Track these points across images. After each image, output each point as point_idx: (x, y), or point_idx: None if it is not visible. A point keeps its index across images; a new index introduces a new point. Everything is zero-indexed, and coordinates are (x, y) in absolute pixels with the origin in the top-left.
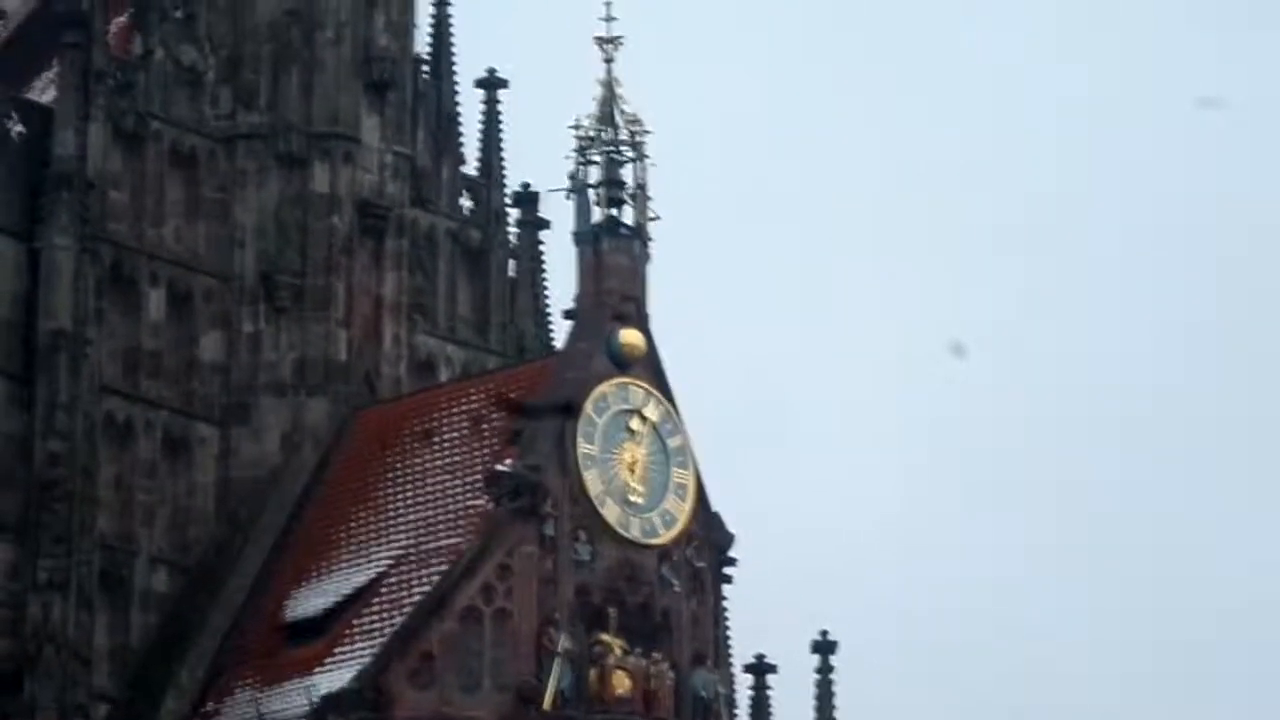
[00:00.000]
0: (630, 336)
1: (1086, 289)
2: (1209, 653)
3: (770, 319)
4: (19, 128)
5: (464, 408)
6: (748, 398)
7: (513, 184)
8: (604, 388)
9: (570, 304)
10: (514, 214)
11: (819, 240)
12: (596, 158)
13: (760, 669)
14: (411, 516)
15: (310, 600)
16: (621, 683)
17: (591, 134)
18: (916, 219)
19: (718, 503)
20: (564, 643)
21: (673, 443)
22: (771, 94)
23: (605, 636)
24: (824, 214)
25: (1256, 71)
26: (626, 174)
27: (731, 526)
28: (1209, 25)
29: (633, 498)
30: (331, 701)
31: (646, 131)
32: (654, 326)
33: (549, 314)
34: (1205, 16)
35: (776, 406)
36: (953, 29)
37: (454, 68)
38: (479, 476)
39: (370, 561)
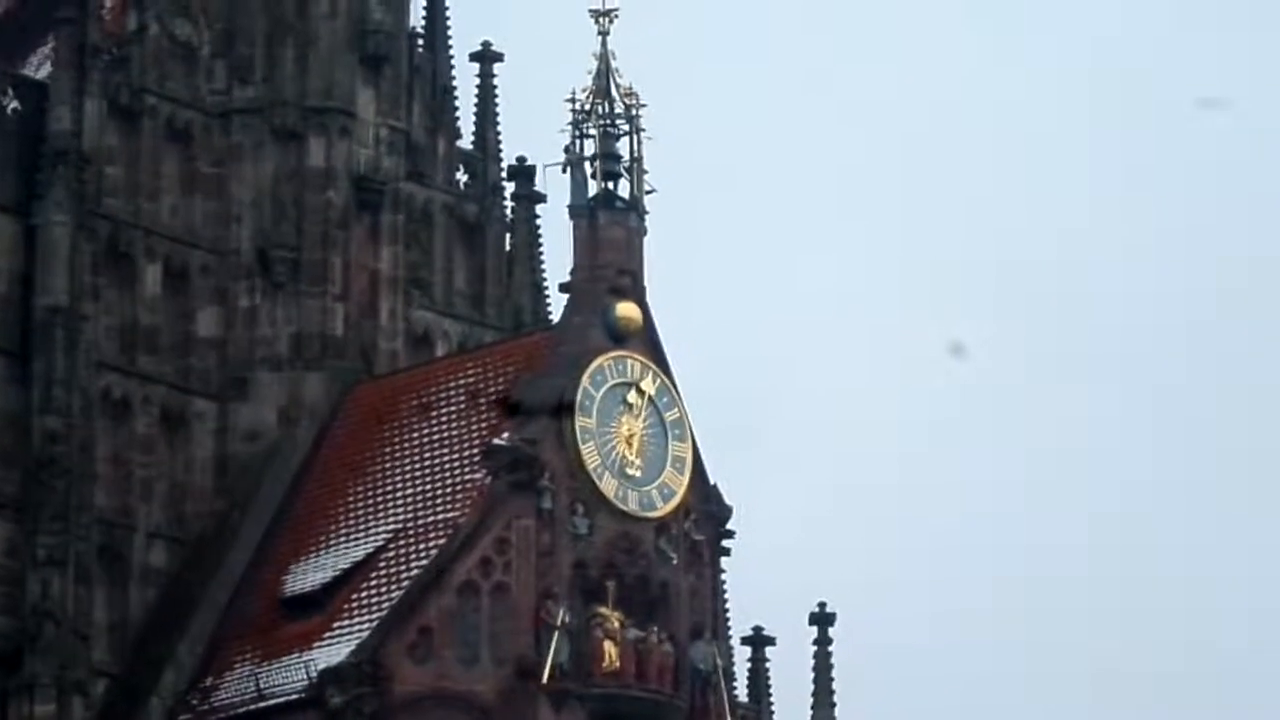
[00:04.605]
0: (627, 310)
1: (1086, 289)
2: (1208, 653)
3: (764, 295)
4: (14, 104)
5: (461, 381)
6: (744, 377)
7: (508, 158)
8: (601, 361)
9: (566, 277)
10: (510, 188)
11: (810, 215)
12: (592, 131)
13: (758, 641)
14: (409, 490)
15: (308, 575)
16: (620, 656)
17: (587, 107)
18: (916, 214)
19: (715, 475)
20: (562, 616)
21: (670, 416)
22: (767, 66)
23: (603, 610)
24: (815, 184)
25: (1257, 71)
26: (622, 147)
27: (729, 499)
28: (1209, 25)
29: (630, 471)
30: (330, 676)
31: (642, 104)
32: (650, 299)
33: (545, 288)
34: (1205, 16)
35: (770, 390)
36: (952, 30)
37: (449, 41)
38: (476, 450)
39: (368, 536)
